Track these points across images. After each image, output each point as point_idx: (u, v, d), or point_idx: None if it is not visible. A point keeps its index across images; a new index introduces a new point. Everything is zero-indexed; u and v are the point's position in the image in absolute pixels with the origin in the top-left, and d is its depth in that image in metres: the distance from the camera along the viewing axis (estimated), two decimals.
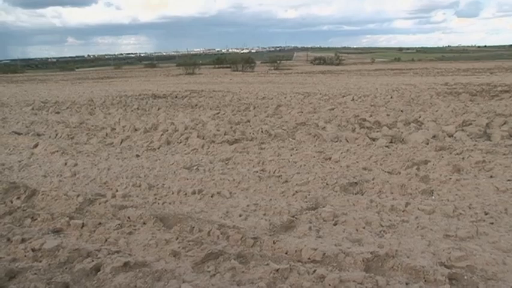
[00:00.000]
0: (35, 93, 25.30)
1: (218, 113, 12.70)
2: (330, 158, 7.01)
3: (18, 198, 5.55)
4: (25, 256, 3.97)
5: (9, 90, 29.17)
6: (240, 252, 3.78)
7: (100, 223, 4.59)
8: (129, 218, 4.71)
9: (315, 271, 3.40)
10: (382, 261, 3.56)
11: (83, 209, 5.09)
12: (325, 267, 3.51)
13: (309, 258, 3.68)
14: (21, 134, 10.52)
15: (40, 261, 3.85)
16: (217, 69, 60.96)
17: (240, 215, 4.65)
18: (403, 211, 4.66)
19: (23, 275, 3.59)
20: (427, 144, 7.74)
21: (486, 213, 4.52)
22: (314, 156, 7.14)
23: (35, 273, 3.60)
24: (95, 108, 15.69)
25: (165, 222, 4.58)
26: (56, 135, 10.23)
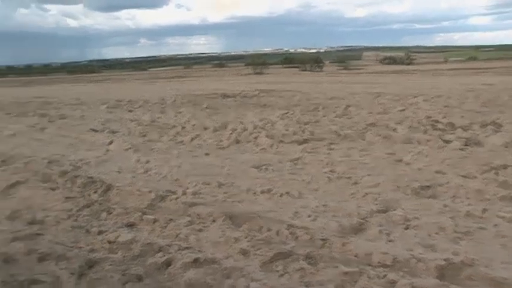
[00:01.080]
0: (110, 92, 26.37)
1: (287, 113, 12.68)
2: (401, 160, 6.83)
3: (95, 192, 5.80)
4: (102, 247, 4.14)
5: (87, 89, 30.64)
6: (309, 253, 3.75)
7: (171, 219, 4.71)
8: (199, 215, 4.80)
9: (385, 276, 3.32)
10: (458, 269, 3.41)
11: (154, 205, 5.24)
12: (396, 272, 3.42)
13: (379, 262, 3.59)
14: (98, 131, 11.00)
15: (115, 253, 4.01)
16: (285, 69, 60.92)
17: (309, 216, 4.62)
18: (480, 217, 4.45)
19: (100, 265, 3.75)
20: (506, 147, 7.35)
21: None
22: (384, 158, 6.99)
23: (111, 264, 3.75)
24: (166, 107, 16.10)
25: (234, 220, 4.62)
26: (129, 132, 10.60)
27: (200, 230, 4.40)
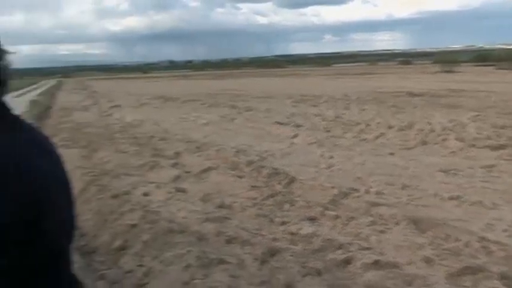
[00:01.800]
0: (295, 86, 27.15)
1: (479, 115, 11.68)
2: None
3: (279, 183, 6.00)
4: (283, 238, 4.27)
5: (273, 83, 31.99)
6: (505, 273, 3.38)
7: (353, 217, 4.67)
8: (381, 216, 4.67)
9: None
10: None
11: (336, 201, 5.23)
12: None
13: None
14: (283, 124, 11.38)
15: (296, 245, 4.10)
16: (479, 67, 56.30)
17: (505, 230, 4.18)
18: None
19: (281, 254, 3.87)
20: None
21: None
22: None
23: (292, 255, 3.84)
24: (350, 103, 16.00)
25: (418, 225, 4.39)
26: (313, 127, 10.76)
27: (382, 232, 4.28)
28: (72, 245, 1.18)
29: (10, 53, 1.08)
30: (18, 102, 20.54)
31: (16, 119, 1.10)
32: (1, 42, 1.07)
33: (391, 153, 7.66)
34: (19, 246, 0.92)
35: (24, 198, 0.94)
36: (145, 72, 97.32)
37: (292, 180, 6.04)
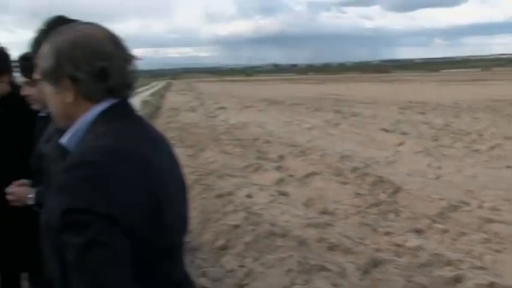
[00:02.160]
0: (400, 92, 26.33)
1: None
2: None
3: (383, 192, 5.82)
4: (387, 249, 4.14)
5: (379, 89, 31.25)
6: None
7: (463, 232, 4.42)
8: (496, 233, 4.36)
9: None
10: None
11: (444, 214, 4.98)
12: None
13: None
14: (388, 131, 11.05)
15: (401, 257, 3.95)
16: None
17: None
18: None
19: (384, 266, 3.73)
20: None
21: None
22: None
23: (396, 268, 3.70)
24: (461, 111, 15.21)
25: None
26: (420, 135, 10.35)
27: (498, 251, 3.99)
28: (184, 241, 1.21)
29: (137, 58, 1.14)
30: (132, 102, 21.78)
31: (139, 118, 1.16)
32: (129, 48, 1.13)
33: (508, 166, 7.14)
34: (138, 237, 0.95)
35: (146, 192, 0.98)
36: (248, 75, 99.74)
37: (397, 189, 5.83)
